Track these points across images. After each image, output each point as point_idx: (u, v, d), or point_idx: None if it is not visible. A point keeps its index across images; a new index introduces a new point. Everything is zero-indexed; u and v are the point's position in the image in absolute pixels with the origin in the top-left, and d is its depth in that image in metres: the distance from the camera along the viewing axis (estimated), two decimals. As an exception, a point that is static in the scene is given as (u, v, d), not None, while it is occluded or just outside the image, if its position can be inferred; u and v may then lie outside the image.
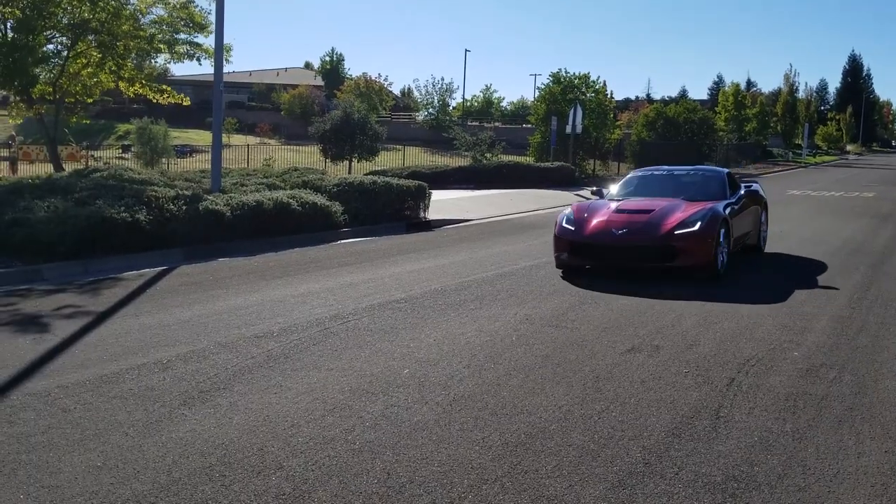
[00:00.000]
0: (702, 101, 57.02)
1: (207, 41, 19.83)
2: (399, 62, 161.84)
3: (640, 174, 11.73)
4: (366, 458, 3.95)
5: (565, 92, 33.99)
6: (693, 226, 8.94)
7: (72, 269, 9.17)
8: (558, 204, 19.90)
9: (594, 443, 4.19)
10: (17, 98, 20.62)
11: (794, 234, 13.96)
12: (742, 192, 10.91)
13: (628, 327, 6.79)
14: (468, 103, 71.87)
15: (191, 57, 20.08)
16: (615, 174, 31.98)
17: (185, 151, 40.83)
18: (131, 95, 22.08)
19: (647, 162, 35.70)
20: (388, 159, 34.89)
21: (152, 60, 21.57)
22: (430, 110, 62.46)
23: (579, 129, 29.29)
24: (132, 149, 36.76)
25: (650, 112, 42.06)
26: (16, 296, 7.81)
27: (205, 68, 25.75)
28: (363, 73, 64.62)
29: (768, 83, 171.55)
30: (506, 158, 31.85)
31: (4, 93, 22.38)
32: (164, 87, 21.44)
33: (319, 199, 13.14)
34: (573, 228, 9.44)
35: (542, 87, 36.09)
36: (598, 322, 6.98)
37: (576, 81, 34.85)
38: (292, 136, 52.92)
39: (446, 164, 30.80)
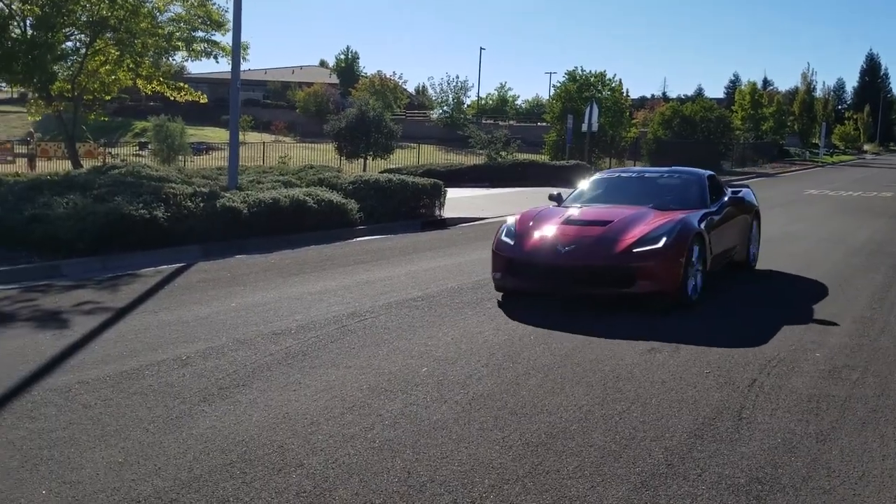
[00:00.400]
0: (718, 100, 56.73)
1: (224, 39, 19.88)
2: (414, 60, 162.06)
3: (606, 176, 9.93)
4: (386, 457, 3.93)
5: (581, 90, 33.95)
6: (656, 242, 7.24)
7: (90, 265, 9.22)
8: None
9: (616, 443, 4.15)
10: (36, 95, 20.75)
11: (813, 235, 13.84)
12: (726, 198, 9.09)
13: (645, 329, 6.74)
14: (483, 101, 71.80)
15: (208, 55, 20.10)
16: (631, 173, 31.86)
17: (202, 149, 41.04)
18: (149, 93, 22.17)
19: (663, 160, 35.62)
20: (403, 157, 34.91)
21: (170, 58, 21.64)
22: (445, 108, 62.52)
23: (595, 127, 29.20)
24: (149, 146, 37.03)
25: (666, 110, 41.91)
26: (36, 291, 7.86)
27: (221, 66, 25.87)
28: (378, 71, 64.83)
29: (785, 82, 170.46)
30: (521, 156, 31.80)
31: (23, 90, 22.50)
32: (182, 84, 21.53)
33: (335, 197, 13.15)
34: (512, 242, 7.68)
35: (558, 85, 36.09)
36: (616, 321, 6.94)
37: (592, 79, 34.80)
38: (307, 133, 53.07)
39: (461, 163, 30.78)
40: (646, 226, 7.52)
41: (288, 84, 70.90)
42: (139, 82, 20.62)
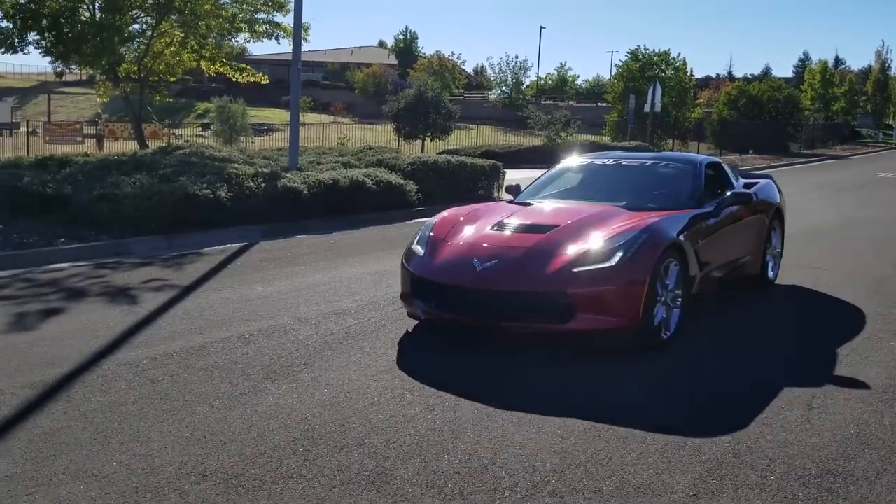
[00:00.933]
0: (786, 80, 54.96)
1: (286, 20, 20.07)
2: (473, 40, 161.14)
3: (578, 163, 7.69)
4: (446, 438, 3.93)
5: (644, 69, 33.36)
6: (608, 258, 5.26)
7: (156, 243, 9.43)
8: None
9: (681, 431, 4.07)
10: (104, 77, 21.30)
11: (886, 218, 13.36)
12: (731, 194, 6.88)
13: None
14: (542, 81, 71.08)
15: (269, 36, 20.33)
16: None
17: (262, 130, 41.68)
18: (212, 74, 22.55)
19: (728, 142, 34.81)
20: (461, 138, 34.81)
21: (233, 39, 21.96)
22: (504, 89, 62.10)
23: (658, 107, 28.64)
24: (211, 127, 37.73)
25: (732, 90, 40.83)
26: (105, 268, 8.08)
27: (282, 48, 26.10)
28: (436, 52, 64.77)
29: (858, 61, 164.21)
30: (581, 137, 31.42)
31: (92, 72, 23.11)
32: (244, 65, 21.84)
33: (394, 178, 13.18)
34: (422, 253, 5.86)
35: (620, 64, 35.53)
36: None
37: (655, 58, 34.18)
38: (365, 114, 53.38)
39: (520, 144, 30.58)
40: (600, 234, 5.53)
41: (347, 65, 71.30)
42: (203, 63, 20.98)
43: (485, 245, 5.64)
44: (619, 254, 5.28)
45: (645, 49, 34.57)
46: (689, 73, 35.52)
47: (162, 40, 20.05)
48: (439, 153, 19.72)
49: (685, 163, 7.20)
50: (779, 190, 8.25)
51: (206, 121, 43.19)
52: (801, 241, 9.96)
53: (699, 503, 3.34)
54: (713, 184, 7.02)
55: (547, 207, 6.55)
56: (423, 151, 27.58)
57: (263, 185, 11.22)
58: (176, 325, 5.90)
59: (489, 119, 48.35)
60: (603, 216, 5.95)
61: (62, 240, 9.00)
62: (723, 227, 6.57)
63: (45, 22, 18.38)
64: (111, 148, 27.13)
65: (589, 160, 7.68)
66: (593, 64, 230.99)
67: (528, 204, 6.74)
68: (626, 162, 7.42)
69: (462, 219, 6.19)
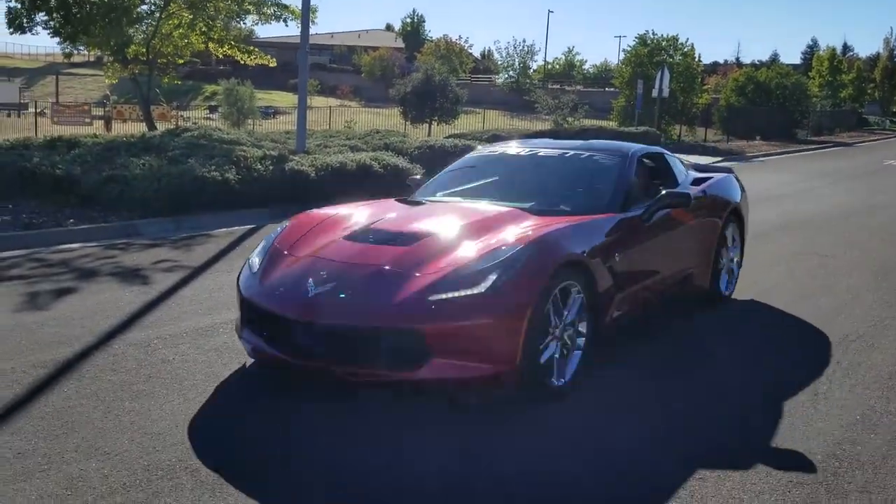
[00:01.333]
0: (794, 66, 54.56)
1: (294, 2, 20.03)
2: (480, 24, 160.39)
3: (487, 153, 6.38)
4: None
5: (652, 55, 33.15)
6: (477, 282, 4.00)
7: (165, 225, 9.47)
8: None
9: (685, 417, 4.10)
10: (112, 58, 21.29)
11: (894, 205, 13.32)
12: (665, 194, 5.37)
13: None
14: (549, 66, 70.79)
15: (278, 18, 20.26)
16: (702, 140, 31.08)
17: (269, 113, 41.63)
18: (220, 56, 22.51)
19: (735, 128, 34.63)
20: (468, 122, 34.70)
21: (240, 22, 21.92)
22: (511, 73, 61.83)
23: (666, 92, 28.47)
24: (219, 109, 37.71)
25: (740, 76, 40.58)
26: (115, 249, 8.12)
27: (289, 30, 26.08)
28: (444, 36, 64.53)
29: (866, 48, 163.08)
30: (588, 122, 31.30)
31: (100, 53, 23.08)
32: (252, 48, 21.80)
33: (401, 162, 13.17)
34: (256, 268, 4.61)
35: (628, 49, 35.28)
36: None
37: (663, 44, 33.94)
38: (372, 98, 53.28)
39: (527, 128, 30.47)
40: (474, 249, 4.26)
41: (354, 48, 71.10)
42: (211, 45, 20.96)
43: (328, 260, 4.34)
44: (493, 276, 3.97)
45: (653, 34, 34.31)
46: (697, 59, 35.20)
47: (170, 22, 20.01)
48: (446, 137, 19.69)
49: (614, 154, 5.79)
50: (740, 187, 6.96)
51: (213, 103, 43.20)
52: (810, 229, 9.95)
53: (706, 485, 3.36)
54: (651, 180, 5.88)
55: (435, 210, 5.23)
56: (429, 135, 27.50)
57: (271, 167, 11.24)
58: (185, 305, 5.94)
59: (496, 103, 48.19)
60: (493, 223, 4.63)
61: (71, 221, 9.04)
62: (655, 234, 5.30)
63: (53, 2, 18.34)
64: (119, 129, 27.14)
65: (502, 149, 6.27)
66: (601, 49, 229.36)
67: (419, 203, 5.49)
68: (543, 152, 5.99)
69: (322, 221, 4.95)
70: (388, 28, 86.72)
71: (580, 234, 4.62)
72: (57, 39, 20.63)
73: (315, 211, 5.28)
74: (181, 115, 35.23)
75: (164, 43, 20.30)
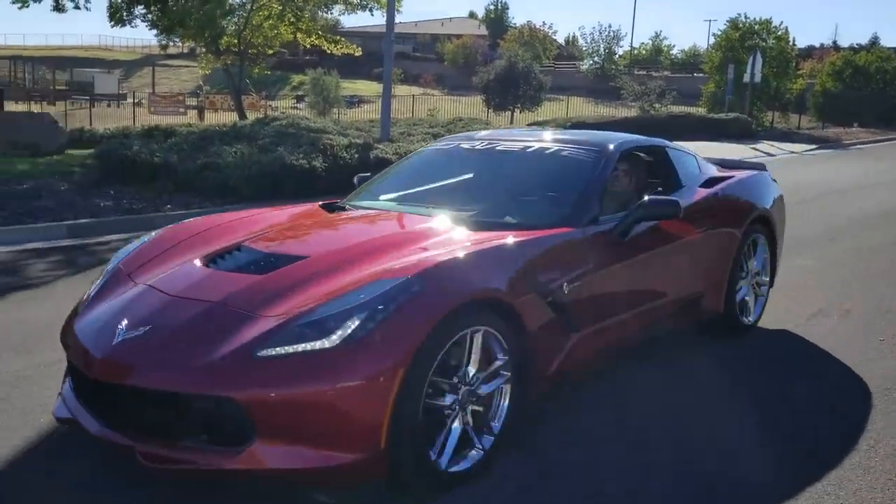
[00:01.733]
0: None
1: (379, -9, 20.25)
2: (565, 10, 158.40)
3: (438, 148, 5.13)
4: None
5: (743, 39, 32.19)
6: (328, 331, 2.82)
7: (256, 211, 9.76)
8: (734, 158, 18.94)
9: (782, 411, 4.00)
10: (206, 50, 22.02)
11: None
12: (646, 202, 4.05)
13: (812, 289, 6.38)
14: (636, 51, 69.42)
15: (363, 7, 20.58)
16: (795, 127, 30.00)
17: (354, 102, 42.25)
18: (308, 46, 23.01)
19: (831, 114, 33.28)
20: (552, 110, 34.42)
21: (328, 12, 22.33)
22: (596, 59, 60.91)
23: (758, 78, 27.59)
24: (305, 99, 38.51)
25: (837, 60, 38.91)
26: (209, 234, 8.41)
27: (374, 19, 26.37)
28: (527, 22, 64.01)
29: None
30: (676, 109, 30.62)
31: (193, 44, 23.89)
32: (339, 37, 22.20)
33: (485, 149, 13.20)
34: (85, 296, 3.60)
35: (718, 33, 34.33)
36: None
37: (756, 27, 32.88)
38: (455, 86, 53.38)
39: (612, 115, 30.04)
40: (346, 281, 3.12)
41: (437, 36, 71.32)
42: (299, 36, 21.44)
43: (158, 292, 3.26)
44: (352, 322, 2.80)
45: (745, 17, 33.27)
46: (791, 43, 33.94)
47: (261, 13, 20.56)
48: (529, 125, 19.59)
49: (589, 149, 4.46)
50: (773, 188, 5.59)
51: (300, 93, 44.13)
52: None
53: None
54: (647, 180, 4.82)
55: (345, 221, 4.17)
56: (512, 123, 27.44)
57: (356, 155, 11.44)
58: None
59: (580, 90, 47.64)
60: (399, 242, 3.55)
61: (168, 206, 9.44)
62: (635, 253, 4.08)
63: (150, -4, 19.10)
64: (212, 119, 28.04)
65: (455, 143, 5.03)
66: (690, 33, 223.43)
67: (339, 210, 4.43)
68: (502, 146, 4.74)
69: (198, 234, 3.90)
70: (472, 16, 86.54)
71: (508, 258, 3.39)
72: (154, 32, 21.46)
73: (199, 219, 4.23)
74: (269, 105, 36.14)
75: (254, 34, 20.88)
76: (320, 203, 4.65)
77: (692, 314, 4.73)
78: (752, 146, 22.15)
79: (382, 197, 4.62)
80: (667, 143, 5.24)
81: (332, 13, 23.23)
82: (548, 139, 4.77)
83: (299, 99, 41.32)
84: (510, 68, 30.40)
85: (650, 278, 4.29)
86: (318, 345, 2.78)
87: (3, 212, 8.50)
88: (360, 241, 3.63)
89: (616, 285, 3.99)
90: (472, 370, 3.12)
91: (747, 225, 5.04)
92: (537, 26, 63.04)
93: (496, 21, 74.19)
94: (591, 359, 3.88)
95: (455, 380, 3.06)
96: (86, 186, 10.22)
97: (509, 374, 3.27)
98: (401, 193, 4.64)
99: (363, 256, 3.35)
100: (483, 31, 73.22)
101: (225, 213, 4.42)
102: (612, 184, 4.37)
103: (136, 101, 34.50)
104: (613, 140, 4.63)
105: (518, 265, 3.41)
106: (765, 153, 20.71)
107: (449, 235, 3.64)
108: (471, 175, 4.70)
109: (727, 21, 33.91)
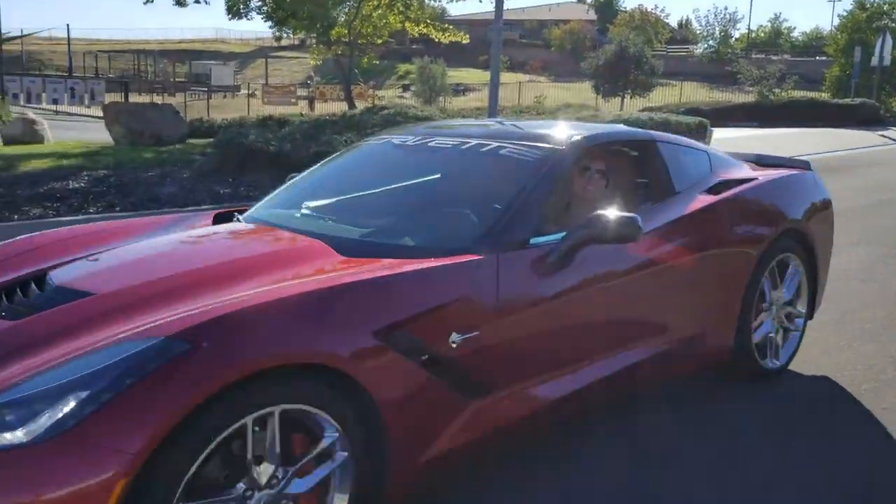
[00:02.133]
0: None
1: (487, -22, 20.15)
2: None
3: (370, 144, 4.13)
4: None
5: (871, 19, 30.38)
6: (28, 419, 1.91)
7: (366, 199, 9.90)
8: (861, 145, 17.91)
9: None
10: (317, 40, 22.51)
11: None
12: (594, 218, 2.91)
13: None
14: (753, 34, 66.58)
15: (472, -5, 20.57)
16: (929, 112, 28.05)
17: (460, 90, 42.39)
18: (416, 35, 23.16)
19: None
20: (663, 95, 33.47)
21: (436, 0, 22.44)
22: (710, 42, 58.97)
23: (887, 61, 25.94)
24: (412, 88, 38.94)
25: (978, 39, 36.10)
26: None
27: (479, 7, 26.30)
28: (639, 5, 62.56)
29: None
30: (796, 94, 29.17)
31: (303, 36, 24.48)
32: (447, 25, 22.24)
33: (595, 137, 12.95)
34: None
35: (844, 14, 32.47)
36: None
37: (885, 7, 30.92)
38: (562, 73, 52.69)
39: (728, 101, 28.97)
40: (90, 341, 2.20)
41: (544, 22, 70.55)
42: (408, 25, 21.60)
43: None
44: (65, 406, 1.94)
45: (874, -4, 31.40)
46: (926, 22, 31.75)
47: (370, 3, 20.84)
48: (640, 111, 19.11)
49: (531, 146, 3.41)
50: (816, 193, 4.34)
51: (406, 82, 44.63)
52: None
53: None
54: (627, 184, 3.74)
55: (204, 241, 3.27)
56: (622, 109, 26.81)
57: (465, 143, 11.43)
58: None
59: (694, 75, 46.16)
60: (222, 274, 2.66)
61: (282, 194, 9.69)
62: (584, 287, 3.06)
63: (266, -11, 19.70)
64: (322, 109, 28.72)
65: (387, 138, 4.04)
66: (812, 14, 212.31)
67: (226, 221, 3.58)
68: (435, 142, 3.72)
69: (27, 252, 3.11)
70: (580, 0, 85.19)
71: (361, 301, 2.44)
72: (269, 24, 22.11)
73: (46, 233, 3.37)
74: (376, 94, 36.71)
75: (364, 24, 21.18)
76: (218, 212, 3.80)
77: (689, 361, 3.68)
78: (880, 133, 20.87)
79: (287, 205, 3.73)
80: (658, 135, 4.02)
81: (439, 1, 23.30)
82: (495, 132, 3.77)
83: (405, 88, 41.79)
84: (620, 53, 29.68)
85: (610, 319, 3.25)
86: (9, 437, 1.90)
87: (131, 198, 8.93)
88: (176, 273, 2.67)
89: (549, 331, 2.95)
90: (268, 468, 2.19)
91: (771, 242, 3.89)
92: (649, 10, 61.39)
93: (605, 5, 72.65)
94: (512, 428, 2.87)
95: (240, 482, 2.14)
96: (206, 174, 10.62)
97: (349, 470, 2.36)
98: (320, 202, 3.63)
99: (167, 296, 2.46)
100: (591, 15, 71.89)
101: (96, 224, 3.54)
102: (582, 190, 3.55)
103: (249, 91, 35.71)
104: (576, 134, 3.51)
105: (374, 311, 2.43)
106: (894, 140, 19.47)
107: (311, 265, 2.72)
108: (389, 179, 3.75)
109: (853, 1, 32.04)
